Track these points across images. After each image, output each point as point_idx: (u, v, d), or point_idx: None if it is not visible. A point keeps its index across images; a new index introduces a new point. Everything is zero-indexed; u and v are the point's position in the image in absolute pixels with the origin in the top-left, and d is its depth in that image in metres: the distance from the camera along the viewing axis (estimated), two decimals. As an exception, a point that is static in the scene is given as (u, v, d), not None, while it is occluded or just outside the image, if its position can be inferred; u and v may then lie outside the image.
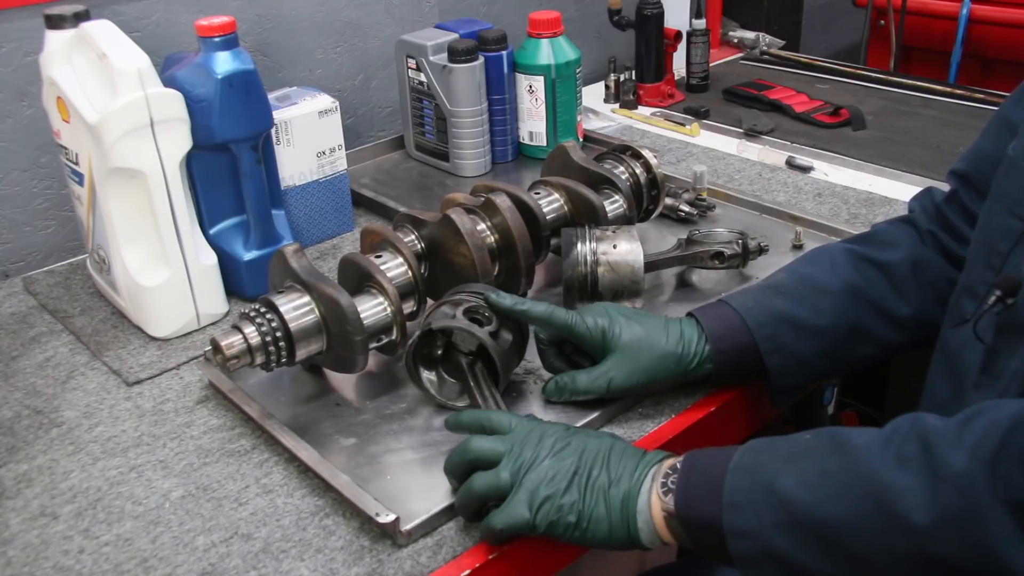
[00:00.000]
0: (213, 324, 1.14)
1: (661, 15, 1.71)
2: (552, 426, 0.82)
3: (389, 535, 0.81)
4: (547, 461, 0.78)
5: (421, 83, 1.48)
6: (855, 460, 0.67)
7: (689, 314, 0.96)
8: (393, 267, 1.02)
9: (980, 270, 0.84)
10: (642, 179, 1.23)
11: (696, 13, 1.77)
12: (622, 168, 1.23)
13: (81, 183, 1.09)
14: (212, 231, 1.17)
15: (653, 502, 0.75)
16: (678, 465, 0.76)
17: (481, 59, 1.45)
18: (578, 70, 1.51)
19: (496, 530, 0.76)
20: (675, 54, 1.80)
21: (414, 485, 0.86)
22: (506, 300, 0.94)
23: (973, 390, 0.80)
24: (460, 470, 0.81)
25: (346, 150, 1.34)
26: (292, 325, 0.93)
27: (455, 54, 1.42)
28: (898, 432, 0.67)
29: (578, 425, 0.91)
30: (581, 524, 0.76)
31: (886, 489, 0.64)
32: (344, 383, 1.02)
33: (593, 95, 1.82)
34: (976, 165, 0.95)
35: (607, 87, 1.80)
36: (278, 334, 0.92)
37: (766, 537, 0.69)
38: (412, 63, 1.48)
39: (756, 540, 0.70)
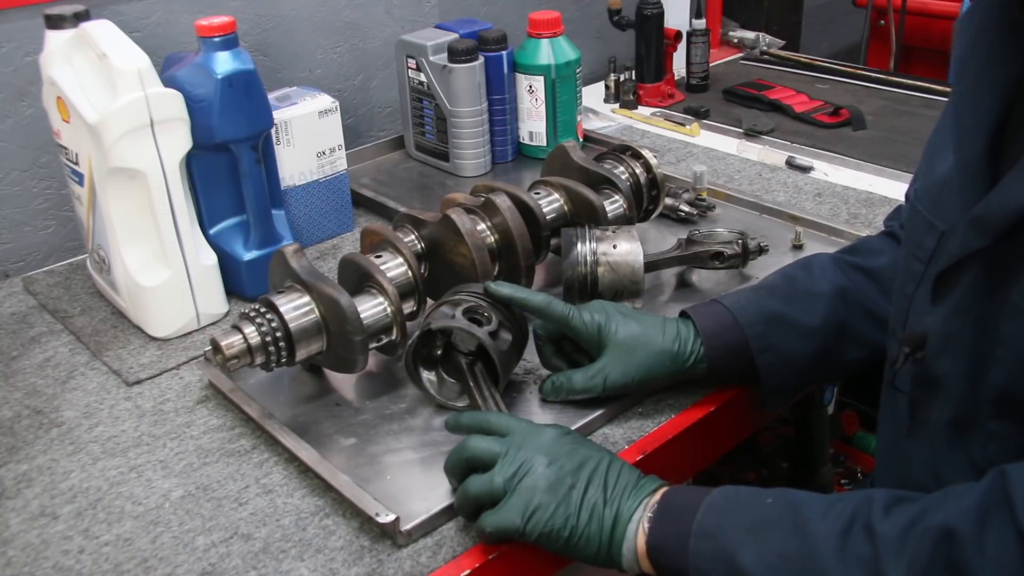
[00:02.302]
0: (213, 324, 1.14)
1: (661, 15, 1.71)
2: (550, 430, 0.82)
3: (389, 535, 0.81)
4: (543, 468, 0.78)
5: (421, 83, 1.48)
6: (812, 551, 0.68)
7: (683, 313, 0.96)
8: (393, 267, 1.02)
9: (895, 312, 0.85)
10: (642, 179, 1.23)
11: (696, 13, 1.77)
12: (622, 168, 1.23)
13: (81, 183, 1.09)
14: (212, 231, 1.17)
15: (639, 533, 0.76)
16: (657, 504, 0.77)
17: (481, 59, 1.45)
18: (578, 70, 1.51)
19: (486, 532, 0.77)
20: (675, 54, 1.80)
21: (414, 485, 0.86)
22: (504, 289, 0.95)
23: (906, 438, 0.81)
24: (458, 469, 0.82)
25: (346, 150, 1.34)
26: (292, 325, 0.93)
27: (455, 54, 1.42)
28: (856, 524, 0.68)
29: (578, 425, 0.91)
30: (572, 539, 0.76)
31: None
32: (344, 383, 1.02)
33: (593, 95, 1.82)
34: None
35: (607, 87, 1.80)
36: (278, 334, 0.92)
37: None
38: (412, 63, 1.48)
39: None
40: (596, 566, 0.78)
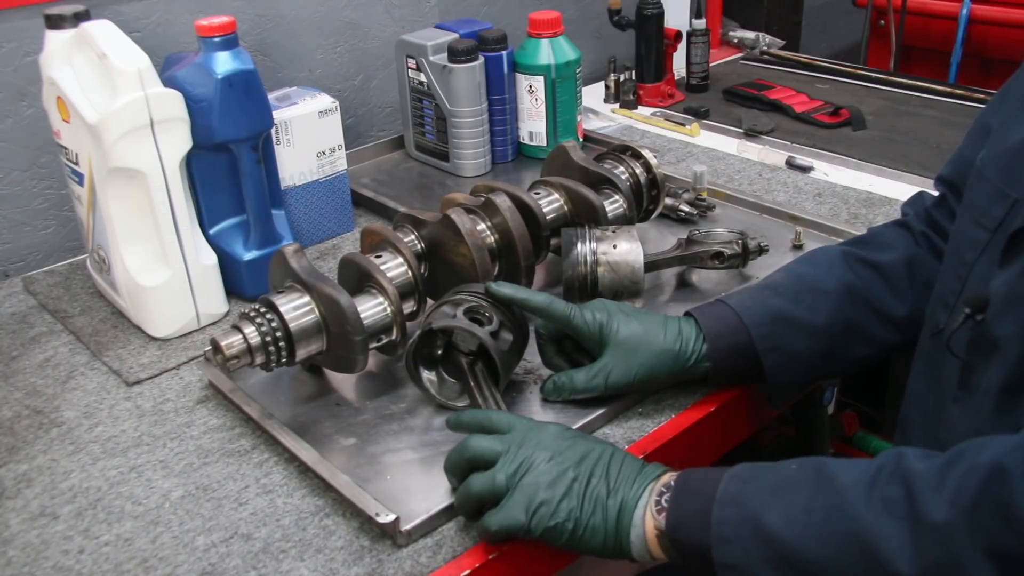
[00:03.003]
0: (213, 324, 1.14)
1: (661, 15, 1.71)
2: (552, 427, 0.82)
3: (389, 535, 0.81)
4: (545, 464, 0.78)
5: (421, 83, 1.48)
6: (841, 500, 0.67)
7: (687, 313, 0.96)
8: (393, 267, 1.02)
9: (950, 280, 0.85)
10: (642, 179, 1.23)
11: (696, 13, 1.77)
12: (622, 168, 1.23)
13: (81, 183, 1.09)
14: (212, 231, 1.17)
15: (647, 519, 0.76)
16: (672, 483, 0.77)
17: (481, 59, 1.45)
18: (578, 70, 1.51)
19: (491, 531, 0.76)
20: (675, 54, 1.80)
21: (414, 485, 0.86)
22: (506, 289, 0.95)
23: (952, 404, 0.81)
24: (459, 468, 0.81)
25: (346, 150, 1.34)
26: (292, 325, 0.93)
27: (455, 54, 1.42)
28: (883, 472, 0.67)
29: (579, 424, 0.91)
30: (577, 532, 0.76)
31: (870, 535, 0.65)
32: (344, 383, 1.02)
33: (593, 95, 1.82)
34: (959, 171, 0.96)
35: (607, 87, 1.80)
36: (278, 334, 0.92)
37: (754, 572, 0.70)
38: (412, 63, 1.48)
39: (745, 574, 0.70)
40: (605, 557, 0.77)
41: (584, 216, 1.14)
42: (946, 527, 0.62)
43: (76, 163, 1.08)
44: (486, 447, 0.80)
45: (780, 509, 0.69)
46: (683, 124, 1.65)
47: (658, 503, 0.76)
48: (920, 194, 1.06)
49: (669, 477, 0.78)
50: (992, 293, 0.76)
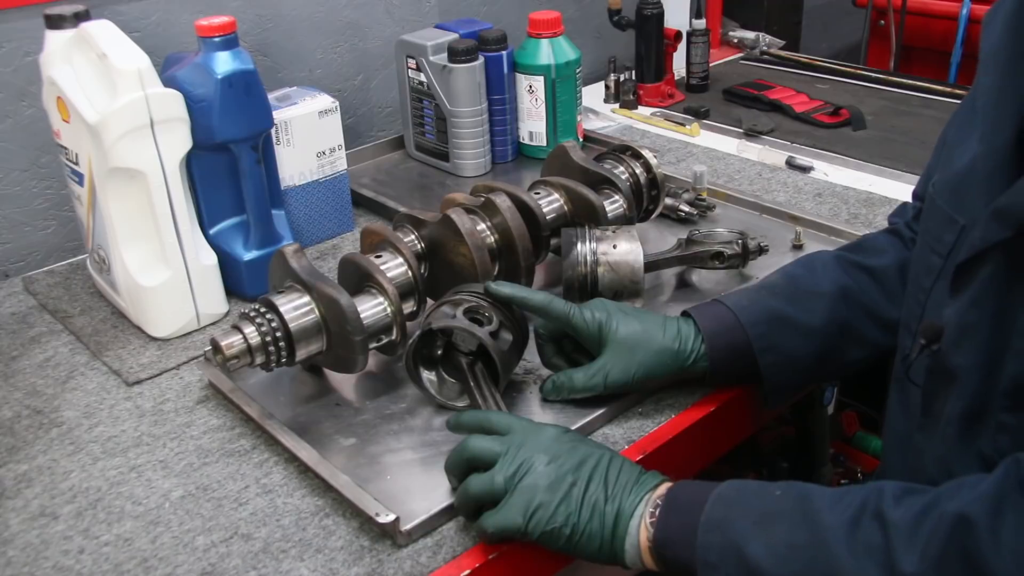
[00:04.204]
0: (213, 324, 1.14)
1: (661, 15, 1.71)
2: (551, 429, 0.82)
3: (389, 535, 0.81)
4: (544, 467, 0.78)
5: (421, 83, 1.48)
6: (822, 540, 0.68)
7: (684, 313, 0.96)
8: (393, 267, 1.02)
9: (911, 305, 0.85)
10: (642, 179, 1.23)
11: (696, 13, 1.77)
12: (622, 168, 1.23)
13: (81, 183, 1.09)
14: (212, 231, 1.17)
15: (642, 529, 0.76)
16: (662, 497, 0.77)
17: (481, 59, 1.45)
18: (578, 70, 1.51)
19: (488, 532, 0.77)
20: (675, 54, 1.80)
21: (414, 485, 0.86)
22: (505, 288, 0.95)
23: (917, 431, 0.81)
24: (459, 469, 0.82)
25: (346, 150, 1.34)
26: (292, 325, 0.93)
27: (455, 54, 1.42)
28: (865, 513, 0.68)
29: (579, 424, 0.91)
30: (574, 538, 0.76)
31: None
32: (344, 383, 1.02)
33: (593, 95, 1.82)
34: (926, 188, 0.95)
35: (607, 87, 1.80)
36: (278, 334, 0.92)
37: None
38: (412, 63, 1.48)
39: None
40: (599, 563, 0.78)
41: (584, 216, 1.14)
42: None
43: (76, 163, 1.08)
44: (485, 448, 0.80)
45: (762, 541, 0.70)
46: (683, 124, 1.65)
47: (652, 515, 0.76)
48: (904, 204, 1.07)
49: (664, 489, 0.78)
50: (945, 322, 0.75)
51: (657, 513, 0.76)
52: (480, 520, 0.78)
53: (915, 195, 1.02)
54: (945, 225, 0.79)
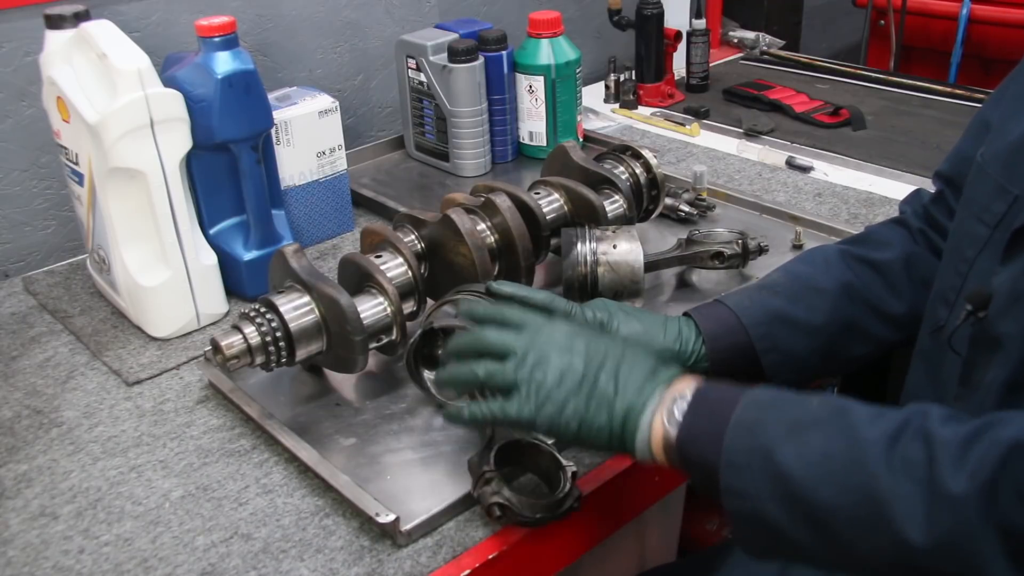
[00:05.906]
0: (213, 324, 1.14)
1: (661, 15, 1.71)
2: (564, 324, 0.81)
3: (389, 535, 0.81)
4: (556, 360, 0.77)
5: (421, 83, 1.49)
6: (860, 451, 0.66)
7: (685, 314, 0.96)
8: (393, 267, 1.02)
9: (949, 276, 0.85)
10: (642, 179, 1.23)
11: (696, 13, 1.77)
12: (622, 168, 1.23)
13: (81, 183, 1.09)
14: (212, 231, 1.17)
15: (655, 425, 0.74)
16: (687, 393, 0.75)
17: (481, 59, 1.45)
18: (578, 70, 1.51)
19: (497, 418, 0.76)
20: (675, 54, 1.80)
21: (414, 485, 0.86)
22: (506, 287, 0.94)
23: (953, 401, 0.80)
24: (467, 356, 0.80)
25: (346, 150, 1.34)
26: (292, 325, 0.93)
27: (455, 54, 1.42)
28: (907, 429, 0.66)
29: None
30: (582, 431, 0.75)
31: (885, 493, 0.64)
32: (344, 383, 1.02)
33: (593, 95, 1.82)
34: (957, 167, 0.95)
35: (607, 87, 1.80)
36: (278, 334, 0.92)
37: (760, 503, 0.69)
38: (412, 63, 1.48)
39: (750, 503, 0.69)
40: (605, 452, 0.77)
41: (584, 216, 1.14)
42: (962, 499, 0.61)
43: (76, 163, 1.08)
44: (500, 340, 0.78)
45: (793, 446, 0.68)
46: (683, 124, 1.65)
47: (670, 412, 0.74)
48: (918, 191, 1.06)
49: (684, 386, 0.76)
50: (994, 290, 0.75)
51: (679, 410, 0.74)
52: (487, 406, 0.76)
53: (938, 175, 1.00)
54: (995, 195, 0.79)
